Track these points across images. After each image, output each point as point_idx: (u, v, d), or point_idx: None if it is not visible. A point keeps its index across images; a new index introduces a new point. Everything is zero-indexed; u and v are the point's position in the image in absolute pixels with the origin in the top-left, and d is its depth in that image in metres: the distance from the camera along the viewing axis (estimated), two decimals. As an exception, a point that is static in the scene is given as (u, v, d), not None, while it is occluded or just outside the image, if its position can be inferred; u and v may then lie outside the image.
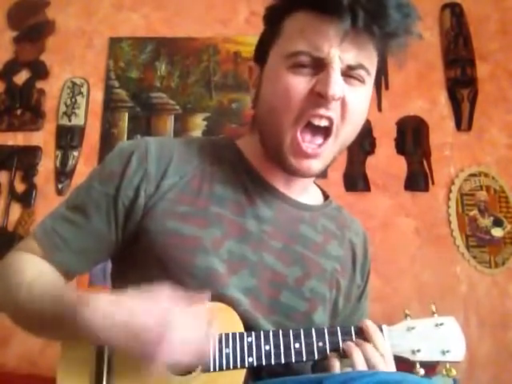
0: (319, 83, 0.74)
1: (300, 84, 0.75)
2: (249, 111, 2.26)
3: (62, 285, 0.80)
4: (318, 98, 0.74)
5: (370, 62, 0.77)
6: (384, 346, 0.76)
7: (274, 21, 0.81)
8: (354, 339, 0.77)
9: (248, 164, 0.89)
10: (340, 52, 0.73)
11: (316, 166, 0.80)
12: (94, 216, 0.83)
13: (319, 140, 0.78)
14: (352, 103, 0.76)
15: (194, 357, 0.67)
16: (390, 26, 0.71)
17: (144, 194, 0.82)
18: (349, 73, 0.75)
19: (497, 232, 2.12)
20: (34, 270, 0.80)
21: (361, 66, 0.75)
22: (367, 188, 2.16)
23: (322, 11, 0.72)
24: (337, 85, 0.73)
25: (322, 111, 0.75)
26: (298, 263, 0.85)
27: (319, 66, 0.74)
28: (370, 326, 0.77)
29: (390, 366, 0.75)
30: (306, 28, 0.74)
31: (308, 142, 0.78)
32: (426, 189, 2.16)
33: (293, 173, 0.83)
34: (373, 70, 0.78)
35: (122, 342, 0.66)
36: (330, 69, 0.73)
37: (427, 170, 2.18)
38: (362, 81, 0.77)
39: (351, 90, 0.76)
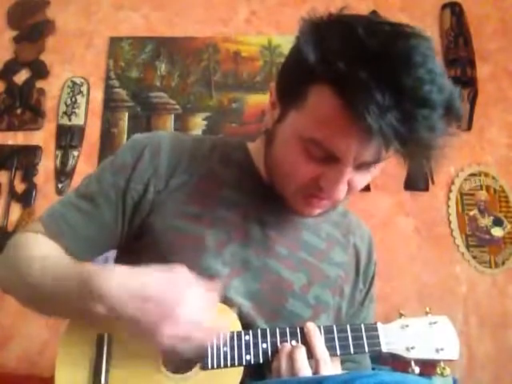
0: (325, 178, 0.73)
1: (308, 169, 0.73)
2: (250, 110, 2.26)
3: (71, 259, 0.79)
4: (321, 187, 0.74)
5: (387, 156, 0.71)
6: (321, 350, 0.75)
7: (300, 77, 0.71)
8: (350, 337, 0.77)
9: (256, 169, 0.89)
10: (356, 154, 0.69)
11: (320, 212, 0.83)
12: (102, 206, 0.83)
13: (322, 206, 0.80)
14: (357, 184, 0.75)
15: (196, 342, 0.66)
16: (419, 148, 0.65)
17: (153, 190, 0.83)
18: (361, 166, 0.72)
19: (497, 232, 2.12)
20: (45, 246, 0.80)
21: (375, 162, 0.71)
22: (367, 188, 2.16)
23: (351, 106, 0.63)
24: (341, 191, 0.72)
25: (322, 195, 0.76)
26: (302, 270, 0.85)
27: (332, 157, 0.70)
28: (310, 328, 0.77)
29: (325, 371, 0.73)
30: (331, 119, 0.67)
31: (311, 207, 0.80)
32: (426, 188, 2.16)
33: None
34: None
35: (133, 311, 0.65)
36: (339, 172, 0.71)
37: (427, 170, 2.18)
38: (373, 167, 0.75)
39: (359, 174, 0.74)
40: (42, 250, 0.79)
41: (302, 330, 0.77)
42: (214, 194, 0.85)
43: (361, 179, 0.75)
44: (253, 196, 0.86)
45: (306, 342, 0.75)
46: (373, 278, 0.98)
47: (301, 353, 0.73)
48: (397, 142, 0.63)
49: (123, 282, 0.66)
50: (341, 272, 0.90)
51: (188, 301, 0.66)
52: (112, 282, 0.66)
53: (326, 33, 0.68)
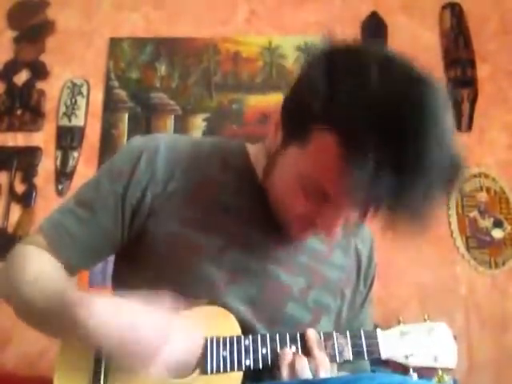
0: (322, 217, 0.73)
1: (305, 205, 0.74)
2: (250, 111, 2.26)
3: (64, 281, 0.79)
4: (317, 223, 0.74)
5: None
6: (321, 358, 0.75)
7: (305, 116, 0.70)
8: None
9: (255, 175, 0.88)
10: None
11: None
12: (101, 213, 0.83)
13: (316, 233, 0.79)
14: (354, 218, 0.75)
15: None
16: (414, 210, 0.67)
17: (150, 195, 0.83)
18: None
19: (497, 233, 2.12)
20: (39, 263, 0.80)
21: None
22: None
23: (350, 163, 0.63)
24: (337, 229, 0.74)
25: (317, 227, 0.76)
26: (302, 274, 0.85)
27: (330, 198, 0.71)
28: (310, 337, 0.77)
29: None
30: (332, 167, 0.66)
31: (305, 234, 0.80)
32: (426, 189, 2.16)
33: None
34: None
35: (119, 349, 0.67)
36: (336, 213, 0.72)
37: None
38: None
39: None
40: (36, 268, 0.79)
41: (302, 335, 0.77)
42: (213, 199, 0.84)
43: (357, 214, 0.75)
44: (252, 201, 0.85)
45: (306, 348, 0.76)
46: (373, 279, 0.97)
47: (302, 362, 0.73)
48: (387, 208, 0.66)
49: (108, 321, 0.66)
50: (342, 275, 0.90)
51: (175, 338, 0.67)
52: (96, 319, 0.66)
53: (337, 75, 0.66)
